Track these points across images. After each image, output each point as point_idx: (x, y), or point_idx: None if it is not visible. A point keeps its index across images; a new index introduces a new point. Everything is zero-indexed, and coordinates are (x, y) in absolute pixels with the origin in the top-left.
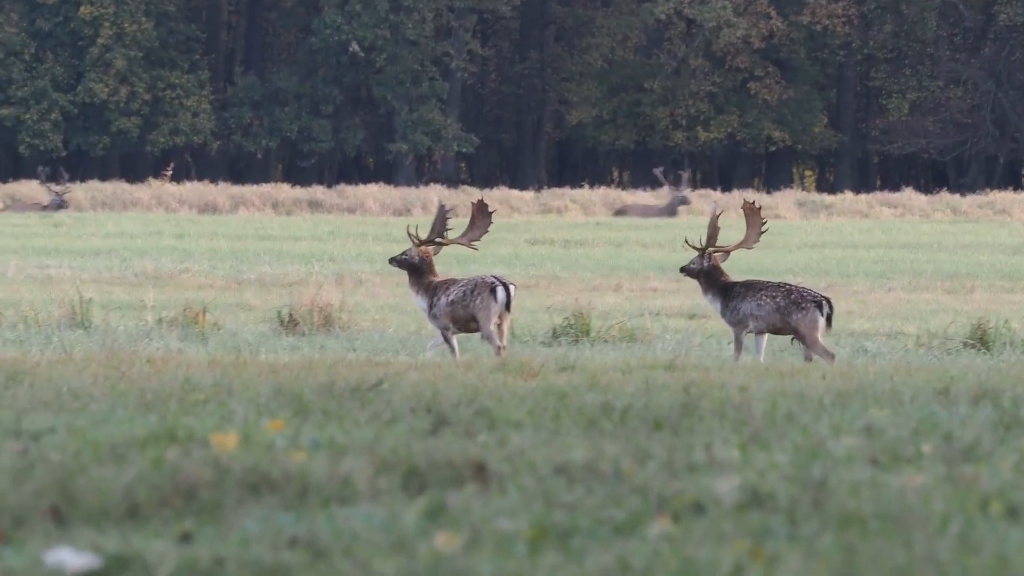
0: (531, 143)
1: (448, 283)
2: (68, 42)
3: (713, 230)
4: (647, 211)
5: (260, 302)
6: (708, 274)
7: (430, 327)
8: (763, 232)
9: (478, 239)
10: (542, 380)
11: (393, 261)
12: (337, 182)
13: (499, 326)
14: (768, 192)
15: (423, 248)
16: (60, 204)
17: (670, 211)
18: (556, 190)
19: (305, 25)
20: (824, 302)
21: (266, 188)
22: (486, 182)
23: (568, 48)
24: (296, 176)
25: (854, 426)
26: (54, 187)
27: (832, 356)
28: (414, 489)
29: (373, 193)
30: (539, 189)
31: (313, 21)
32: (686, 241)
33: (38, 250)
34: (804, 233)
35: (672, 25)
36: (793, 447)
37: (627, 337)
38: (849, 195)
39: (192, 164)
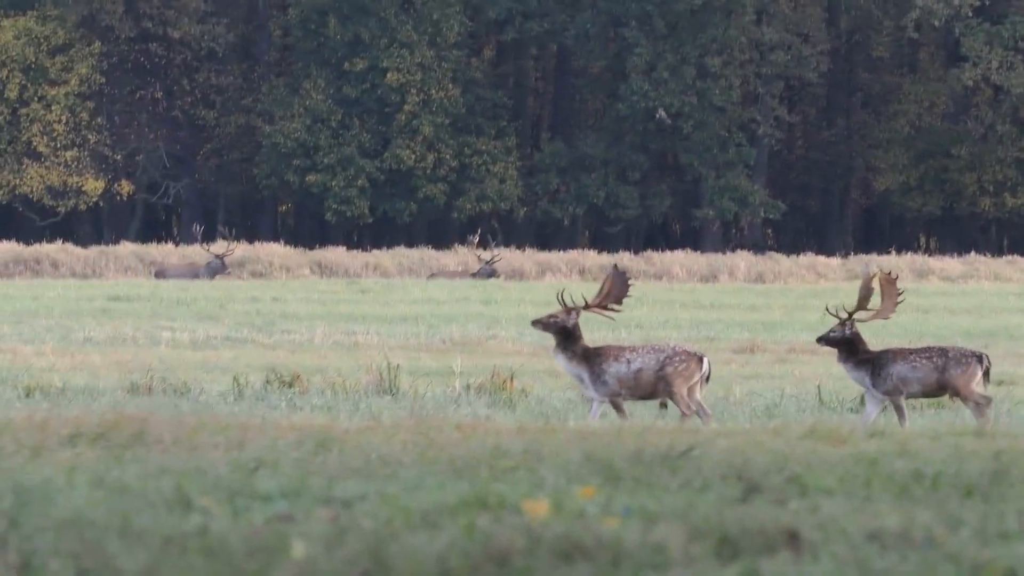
0: (838, 209)
1: (614, 350)
2: (375, 109)
3: (866, 292)
4: None
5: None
6: (849, 342)
7: (587, 394)
8: (899, 303)
9: (619, 302)
10: (851, 447)
11: (537, 324)
12: (643, 248)
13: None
14: None
15: (578, 312)
16: (219, 268)
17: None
18: (863, 256)
19: (612, 91)
20: (983, 356)
21: (573, 254)
22: (792, 248)
23: (875, 115)
24: (602, 242)
25: None
26: (212, 249)
27: (989, 399)
28: (727, 556)
29: (679, 259)
30: (845, 255)
31: (620, 87)
32: (827, 308)
33: (345, 316)
34: None
35: (979, 91)
36: None
37: (934, 404)
38: None
39: (499, 230)
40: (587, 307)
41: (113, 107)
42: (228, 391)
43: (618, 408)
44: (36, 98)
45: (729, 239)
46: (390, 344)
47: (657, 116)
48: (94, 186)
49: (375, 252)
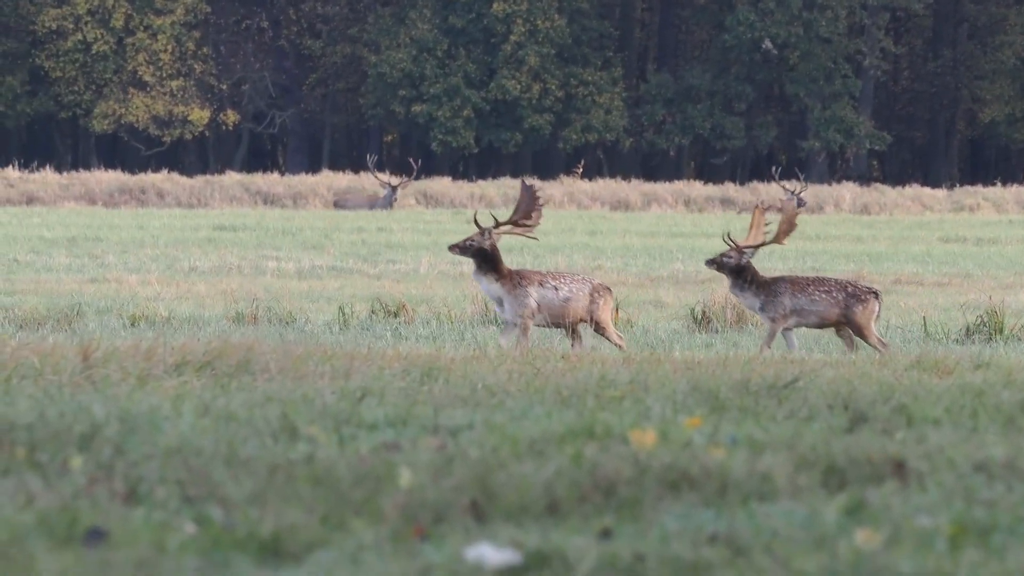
0: (943, 141)
1: (537, 275)
2: (481, 39)
3: (789, 225)
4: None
5: (673, 299)
6: (741, 270)
7: (504, 317)
8: (792, 231)
9: (532, 230)
10: (957, 377)
11: (454, 248)
12: (749, 179)
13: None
14: None
15: (496, 233)
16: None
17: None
18: (968, 188)
19: (718, 22)
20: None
21: (678, 185)
22: (898, 179)
23: (981, 46)
24: (708, 173)
25: None
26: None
27: (886, 346)
28: (833, 486)
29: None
30: (951, 187)
31: (726, 18)
32: (727, 236)
33: None
34: None
35: None
36: None
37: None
38: None
39: (604, 161)
40: (498, 226)
41: (219, 36)
42: (333, 321)
43: (526, 330)
44: (142, 27)
45: (835, 170)
46: None
47: (763, 47)
48: (199, 116)
49: (480, 183)
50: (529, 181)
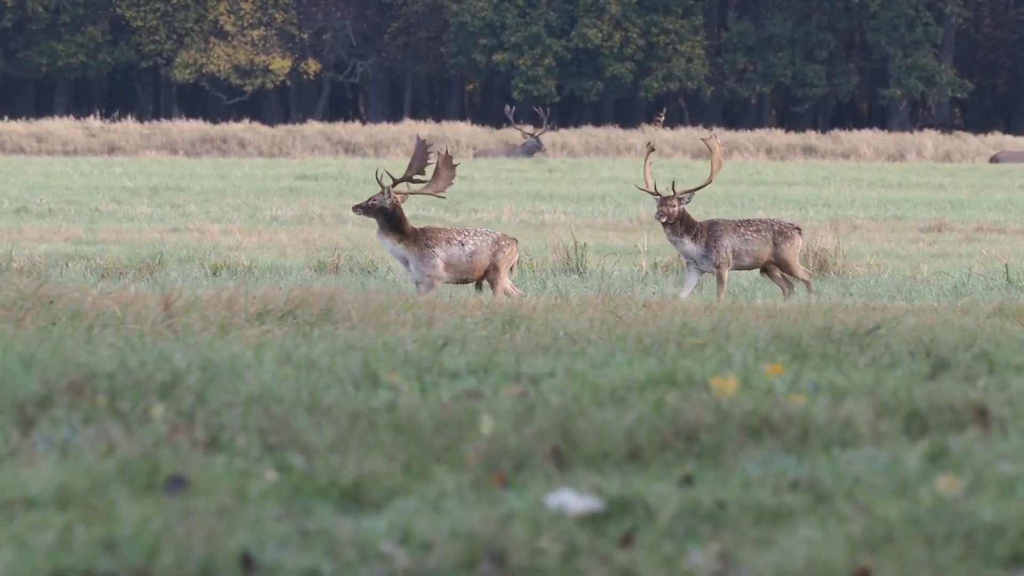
0: None
1: (444, 232)
2: None
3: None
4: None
5: None
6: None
7: (413, 276)
8: (451, 183)
9: (443, 190)
10: None
11: (358, 209)
12: (831, 127)
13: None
14: None
15: (396, 192)
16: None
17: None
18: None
19: None
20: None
21: (760, 133)
22: (980, 127)
23: None
24: (789, 121)
25: None
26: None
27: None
28: (915, 432)
29: (867, 138)
30: None
31: None
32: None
33: (532, 195)
34: None
35: None
36: None
37: None
38: None
39: (686, 109)
40: (395, 183)
41: None
42: None
43: (432, 288)
44: None
45: (916, 118)
46: (577, 223)
47: None
48: (281, 65)
49: (562, 131)
50: (423, 137)
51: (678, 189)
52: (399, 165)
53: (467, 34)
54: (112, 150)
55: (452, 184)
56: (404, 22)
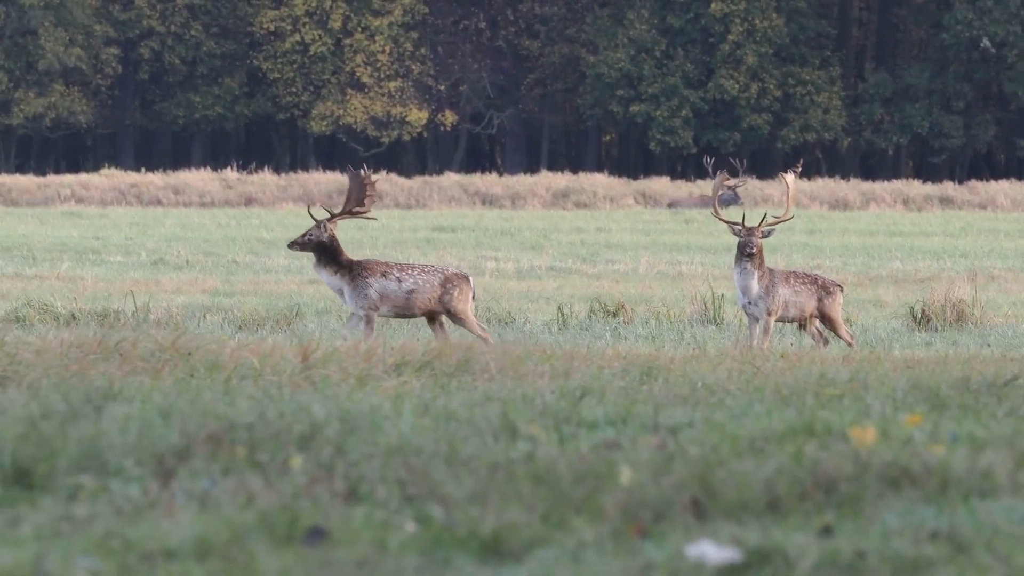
0: None
1: (380, 266)
2: (699, 39)
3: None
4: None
5: (892, 298)
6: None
7: (349, 307)
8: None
9: (367, 208)
10: None
11: (294, 245)
12: (968, 178)
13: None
14: None
15: (332, 224)
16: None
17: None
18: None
19: (936, 21)
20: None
21: (897, 184)
22: None
23: None
24: (927, 172)
25: None
26: (729, 181)
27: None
28: None
29: (1004, 189)
30: None
31: (944, 17)
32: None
33: (669, 246)
34: None
35: None
36: None
37: None
38: None
39: (822, 160)
40: (332, 218)
41: (436, 37)
42: (552, 321)
43: (370, 322)
44: (359, 28)
45: None
46: (714, 274)
47: (981, 45)
48: (417, 116)
49: (699, 182)
50: (357, 170)
51: (747, 223)
52: (536, 216)
53: (604, 85)
54: (249, 202)
55: (374, 201)
56: (541, 73)
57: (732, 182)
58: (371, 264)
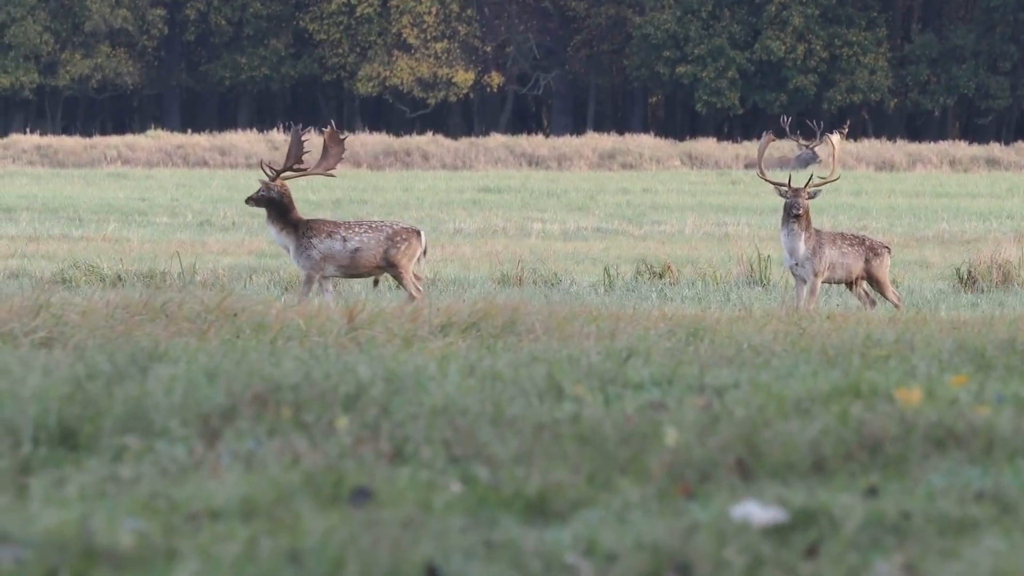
0: None
1: (328, 225)
2: (745, 0)
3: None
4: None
5: (938, 259)
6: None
7: (296, 264)
8: (341, 159)
9: (333, 167)
10: None
11: (250, 200)
12: (1014, 139)
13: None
14: None
15: (281, 181)
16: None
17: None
18: None
19: None
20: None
21: (943, 145)
22: None
23: None
24: (973, 133)
25: None
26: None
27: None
28: None
29: None
30: None
31: None
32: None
33: (715, 207)
34: None
35: None
36: None
37: None
38: None
39: (869, 122)
40: (277, 175)
41: None
42: (598, 282)
43: (309, 281)
44: None
45: None
46: (760, 235)
47: None
48: (464, 78)
49: (745, 143)
50: (297, 128)
51: (794, 184)
52: (582, 178)
53: (650, 46)
54: None
55: (342, 159)
56: (587, 35)
57: (812, 142)
58: (318, 224)
